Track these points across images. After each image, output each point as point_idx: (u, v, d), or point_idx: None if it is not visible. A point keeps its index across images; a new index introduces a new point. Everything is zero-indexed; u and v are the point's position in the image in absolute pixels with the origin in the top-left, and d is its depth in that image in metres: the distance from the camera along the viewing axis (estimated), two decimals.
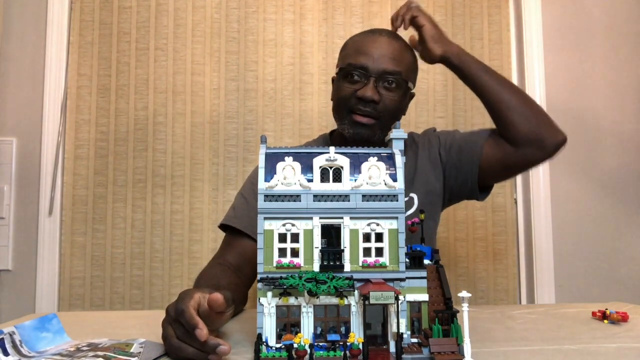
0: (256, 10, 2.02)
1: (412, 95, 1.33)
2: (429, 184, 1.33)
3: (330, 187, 0.75)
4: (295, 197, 0.74)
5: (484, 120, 2.02)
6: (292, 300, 0.73)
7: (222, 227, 1.31)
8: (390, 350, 0.72)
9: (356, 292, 0.73)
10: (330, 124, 1.97)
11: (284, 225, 0.74)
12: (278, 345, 0.71)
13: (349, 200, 0.74)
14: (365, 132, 1.22)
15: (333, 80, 1.36)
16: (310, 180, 0.75)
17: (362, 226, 0.75)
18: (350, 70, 1.23)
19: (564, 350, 0.80)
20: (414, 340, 0.74)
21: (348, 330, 0.73)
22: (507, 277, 1.99)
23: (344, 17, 2.03)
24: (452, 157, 1.33)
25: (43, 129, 1.93)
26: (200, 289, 0.81)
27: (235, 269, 1.17)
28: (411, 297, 0.74)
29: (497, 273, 1.99)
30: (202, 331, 0.69)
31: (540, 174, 1.99)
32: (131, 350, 0.76)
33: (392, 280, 0.73)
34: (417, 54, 1.30)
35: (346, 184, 0.75)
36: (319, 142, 1.42)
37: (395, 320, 0.70)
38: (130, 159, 1.96)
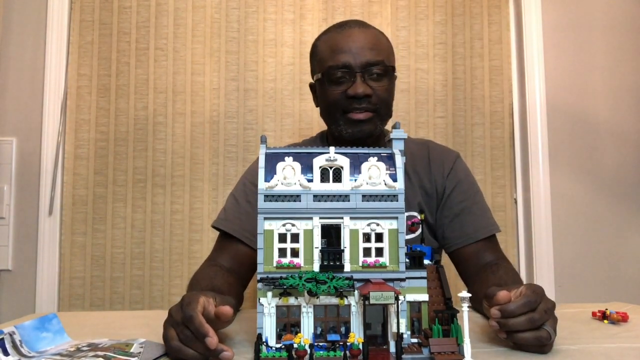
0: (256, 10, 2.02)
1: (395, 78, 1.29)
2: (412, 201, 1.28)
3: (330, 187, 0.75)
4: (295, 197, 0.74)
5: (483, 120, 2.02)
6: (292, 301, 0.73)
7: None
8: (390, 350, 0.72)
9: (356, 292, 0.73)
10: None
11: (284, 225, 0.74)
12: (278, 345, 0.71)
13: (349, 200, 0.74)
14: (366, 127, 1.20)
15: (311, 86, 1.33)
16: (310, 181, 0.75)
17: (362, 226, 0.75)
18: (333, 73, 1.19)
19: (564, 350, 0.80)
20: (414, 340, 0.74)
21: (348, 330, 0.73)
22: None
23: (344, 17, 2.03)
24: (447, 209, 1.27)
25: (43, 129, 1.93)
26: (204, 293, 0.82)
27: (228, 270, 1.17)
28: (411, 297, 0.74)
29: None
30: (213, 340, 0.70)
31: (540, 174, 1.99)
32: (131, 350, 0.76)
33: (392, 280, 0.73)
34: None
35: (346, 184, 0.75)
36: (316, 140, 1.39)
37: (395, 320, 0.70)
38: (130, 159, 1.96)
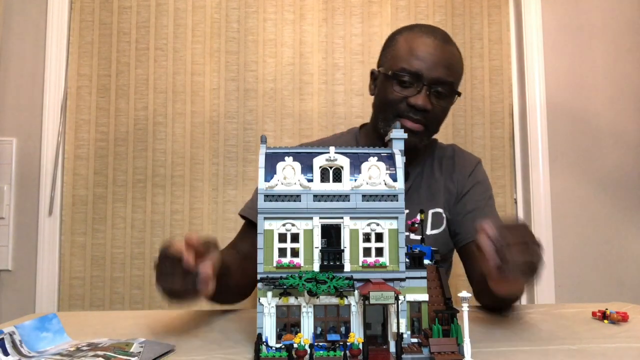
0: (256, 10, 2.02)
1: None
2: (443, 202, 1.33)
3: (330, 187, 0.75)
4: (295, 197, 0.74)
5: (483, 120, 2.02)
6: (292, 300, 0.73)
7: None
8: (390, 350, 0.72)
9: (356, 292, 0.73)
10: (330, 124, 1.97)
11: (284, 225, 0.75)
12: (278, 345, 0.71)
13: (349, 200, 0.74)
14: (413, 139, 1.18)
15: (373, 73, 1.32)
16: (310, 180, 0.75)
17: (362, 226, 0.75)
18: (402, 75, 1.19)
19: (564, 350, 0.80)
20: (414, 340, 0.74)
21: (348, 330, 0.73)
22: None
23: (343, 18, 2.03)
24: (461, 206, 1.32)
25: (43, 129, 1.93)
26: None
27: (245, 256, 1.17)
28: (411, 297, 0.74)
29: None
30: (189, 257, 0.80)
31: (540, 173, 1.99)
32: (131, 350, 0.76)
33: (392, 280, 0.73)
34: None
35: (346, 184, 0.75)
36: (349, 137, 1.38)
37: (395, 320, 0.70)
38: (130, 159, 1.96)
